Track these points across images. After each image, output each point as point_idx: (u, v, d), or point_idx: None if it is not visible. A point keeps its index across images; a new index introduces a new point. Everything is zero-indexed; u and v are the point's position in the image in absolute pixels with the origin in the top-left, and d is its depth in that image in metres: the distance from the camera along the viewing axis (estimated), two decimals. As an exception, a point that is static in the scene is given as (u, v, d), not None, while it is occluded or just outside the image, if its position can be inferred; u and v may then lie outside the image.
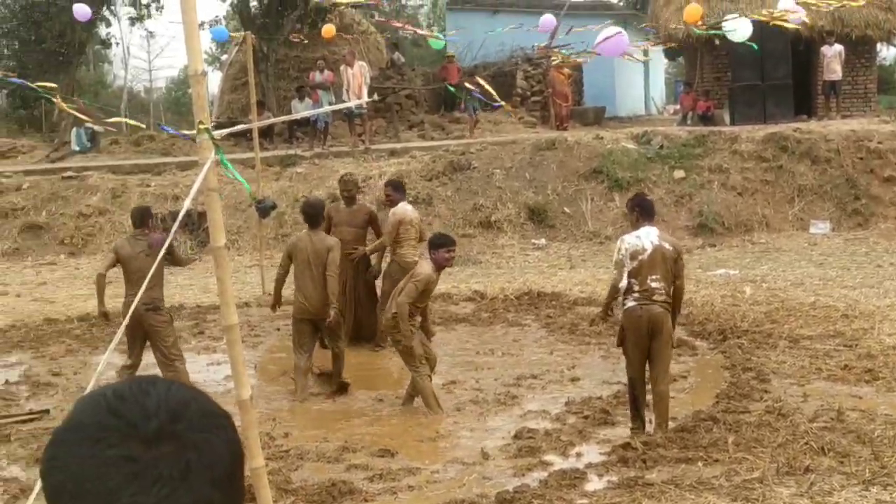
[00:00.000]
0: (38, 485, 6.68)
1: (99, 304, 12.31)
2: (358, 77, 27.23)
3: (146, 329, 11.67)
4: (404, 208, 14.08)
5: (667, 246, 9.83)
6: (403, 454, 9.56)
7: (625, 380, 11.74)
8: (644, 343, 9.80)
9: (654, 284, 9.68)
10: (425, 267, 11.07)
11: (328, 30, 27.54)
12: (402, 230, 13.77)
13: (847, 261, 19.48)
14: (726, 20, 18.25)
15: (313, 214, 12.44)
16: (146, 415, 1.55)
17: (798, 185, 24.02)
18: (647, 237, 9.82)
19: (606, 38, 14.66)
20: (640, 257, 9.69)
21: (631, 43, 16.26)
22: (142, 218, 12.29)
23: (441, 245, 10.98)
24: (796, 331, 13.65)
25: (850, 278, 17.56)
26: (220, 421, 1.64)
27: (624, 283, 9.70)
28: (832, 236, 22.44)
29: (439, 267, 10.90)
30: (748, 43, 17.64)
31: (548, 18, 22.10)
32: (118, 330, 7.56)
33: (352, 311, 14.35)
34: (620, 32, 14.96)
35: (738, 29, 17.40)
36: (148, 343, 11.71)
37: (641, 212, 10.14)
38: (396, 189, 14.58)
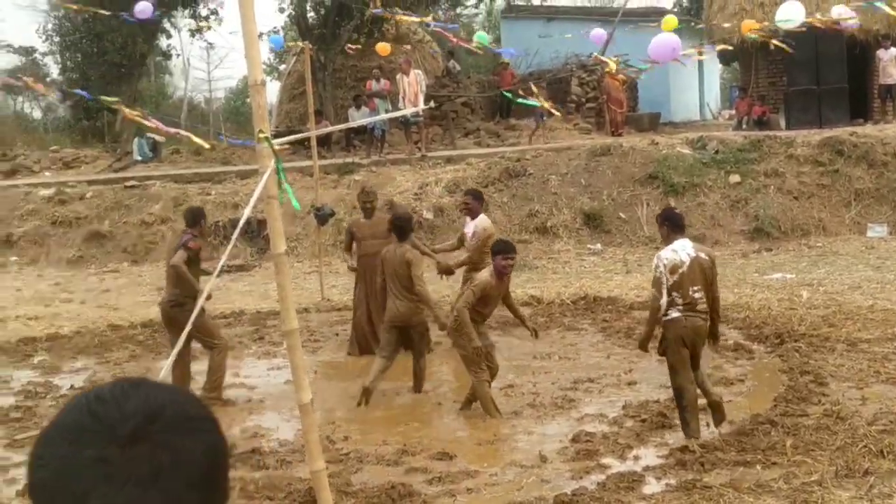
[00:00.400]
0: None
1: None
2: (413, 85, 27.36)
3: (172, 325, 11.86)
4: (486, 220, 13.95)
5: (703, 256, 10.03)
6: (462, 457, 9.64)
7: (682, 384, 11.82)
8: (687, 353, 9.91)
9: (696, 295, 9.81)
10: (484, 273, 11.15)
11: (383, 47, 27.75)
12: (487, 243, 13.19)
13: (905, 264, 19.36)
14: (778, 21, 18.14)
15: (401, 227, 12.53)
16: (124, 417, 1.58)
17: (854, 188, 23.86)
18: (682, 250, 9.93)
19: (658, 43, 14.70)
20: (679, 270, 9.79)
21: (683, 47, 16.22)
22: (193, 217, 12.53)
23: (499, 252, 11.01)
24: (854, 334, 13.58)
25: (909, 282, 17.46)
26: (200, 424, 1.66)
27: (664, 300, 9.78)
28: (889, 240, 22.26)
29: (499, 274, 10.90)
30: (783, 44, 17.49)
31: (598, 33, 22.13)
32: (181, 336, 7.73)
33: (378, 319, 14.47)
34: (673, 38, 14.99)
35: (790, 16, 17.30)
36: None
37: (671, 226, 10.27)
38: (476, 198, 14.22)
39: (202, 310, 12.31)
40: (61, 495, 1.55)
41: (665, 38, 14.85)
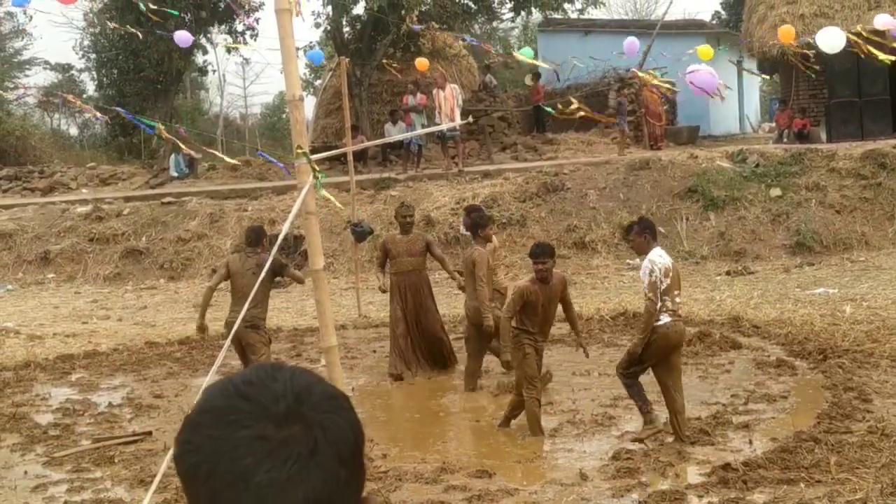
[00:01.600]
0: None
1: (199, 318, 12.57)
2: (450, 99, 27.32)
3: (244, 345, 11.93)
4: (477, 250, 13.26)
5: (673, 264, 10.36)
6: (501, 475, 9.55)
7: (723, 400, 11.69)
8: (665, 357, 10.21)
9: (678, 300, 10.18)
10: (524, 279, 11.09)
11: (421, 63, 27.74)
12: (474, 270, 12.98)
13: (950, 278, 19.12)
14: (817, 42, 17.99)
15: (475, 224, 13.17)
16: (275, 397, 1.64)
17: (898, 202, 23.65)
18: (665, 256, 10.33)
19: (696, 73, 14.61)
20: (670, 275, 10.06)
21: (721, 59, 16.14)
22: (256, 236, 12.54)
23: (531, 256, 11.02)
24: (898, 350, 13.43)
25: (953, 296, 17.23)
26: (342, 402, 1.73)
27: (659, 304, 9.84)
28: (934, 254, 22.03)
29: (538, 279, 10.81)
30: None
31: (631, 42, 22.03)
32: (220, 352, 7.67)
33: (426, 338, 14.38)
34: (712, 73, 14.90)
35: (830, 40, 17.16)
36: None
37: (652, 234, 10.50)
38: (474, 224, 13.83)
39: (269, 339, 12.50)
40: (220, 476, 1.61)
41: (704, 77, 14.78)
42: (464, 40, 36.08)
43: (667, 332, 10.01)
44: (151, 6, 19.01)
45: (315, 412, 1.65)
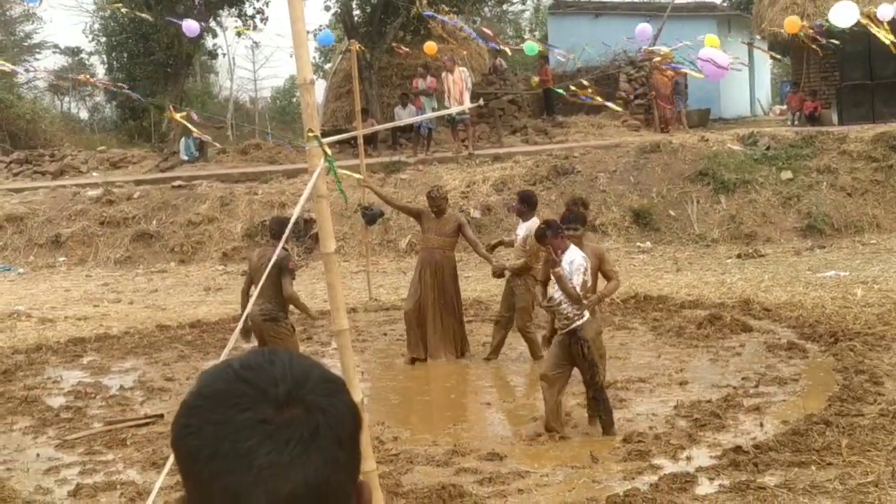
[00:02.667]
0: (157, 487, 6.81)
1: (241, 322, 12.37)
2: (459, 83, 27.27)
3: (264, 338, 11.92)
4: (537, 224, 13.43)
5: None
6: (512, 458, 9.55)
7: (734, 383, 11.69)
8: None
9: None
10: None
11: (430, 47, 27.68)
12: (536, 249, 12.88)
13: (961, 261, 19.08)
14: (830, 20, 17.89)
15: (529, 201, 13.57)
16: (274, 381, 1.65)
17: (909, 184, 23.58)
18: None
19: (708, 60, 14.54)
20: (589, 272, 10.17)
21: (733, 41, 16.06)
22: (281, 228, 12.41)
23: (561, 221, 10.76)
24: (910, 333, 13.40)
25: (965, 279, 17.19)
26: (339, 386, 1.74)
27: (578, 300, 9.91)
28: (945, 236, 21.98)
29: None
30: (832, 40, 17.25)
31: (643, 28, 21.96)
32: (231, 336, 7.68)
33: (440, 321, 14.28)
34: (721, 63, 14.83)
35: (842, 15, 17.06)
36: None
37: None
38: (524, 201, 13.86)
39: (292, 328, 12.40)
40: (222, 459, 1.61)
41: (715, 59, 14.71)
42: (474, 22, 36.05)
43: (592, 327, 10.04)
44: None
45: (314, 395, 1.67)
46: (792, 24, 18.92)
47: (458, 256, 15.58)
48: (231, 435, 1.61)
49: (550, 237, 10.11)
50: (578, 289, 9.79)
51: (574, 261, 9.90)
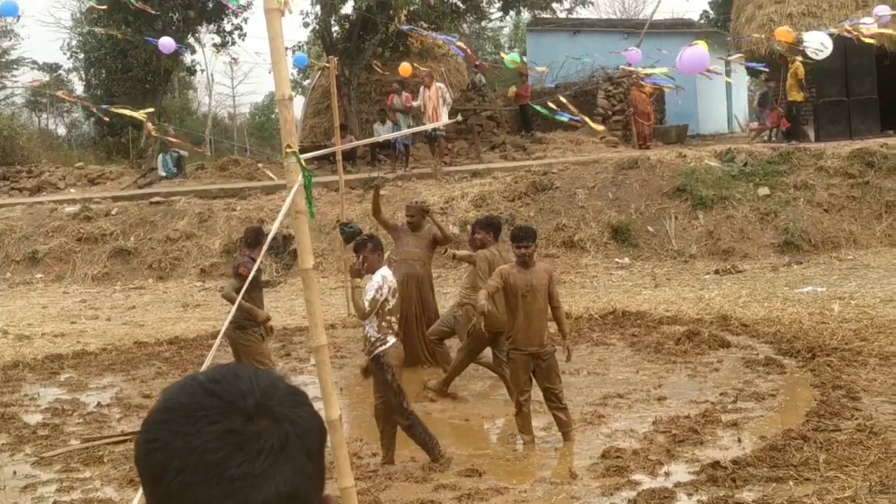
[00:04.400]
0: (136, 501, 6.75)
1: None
2: (434, 99, 27.28)
3: (232, 346, 11.94)
4: (484, 252, 13.03)
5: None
6: (491, 474, 9.55)
7: (712, 399, 11.72)
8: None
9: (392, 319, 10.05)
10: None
11: (405, 69, 27.75)
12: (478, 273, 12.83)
13: (938, 277, 19.16)
14: (806, 44, 18.03)
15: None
16: (241, 393, 1.66)
17: (885, 200, 23.66)
18: (391, 275, 10.25)
19: (687, 54, 14.58)
20: (396, 295, 10.07)
21: (713, 59, 16.10)
22: (255, 237, 12.43)
23: (512, 239, 10.67)
24: (886, 348, 13.42)
25: (942, 294, 17.26)
26: (304, 398, 1.75)
27: (378, 324, 9.85)
28: (922, 252, 22.07)
29: (520, 262, 10.43)
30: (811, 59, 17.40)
31: (634, 53, 22.11)
32: (209, 353, 7.67)
33: (422, 334, 14.37)
34: (702, 51, 14.86)
35: (819, 44, 17.19)
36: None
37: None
38: (490, 227, 13.42)
39: (261, 335, 12.33)
40: (191, 471, 1.60)
41: (695, 52, 14.72)
42: (453, 40, 36.10)
43: (397, 352, 9.89)
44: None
45: (282, 407, 1.67)
46: (784, 34, 19.05)
47: (435, 272, 15.64)
48: (200, 447, 1.60)
49: (370, 250, 10.15)
50: (368, 307, 9.77)
51: (374, 278, 9.94)
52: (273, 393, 1.68)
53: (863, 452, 9.12)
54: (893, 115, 30.58)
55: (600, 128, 22.62)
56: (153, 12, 18.89)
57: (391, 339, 9.84)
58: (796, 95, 28.81)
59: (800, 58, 24.10)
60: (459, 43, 25.73)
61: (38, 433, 11.89)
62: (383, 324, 9.79)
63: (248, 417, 1.63)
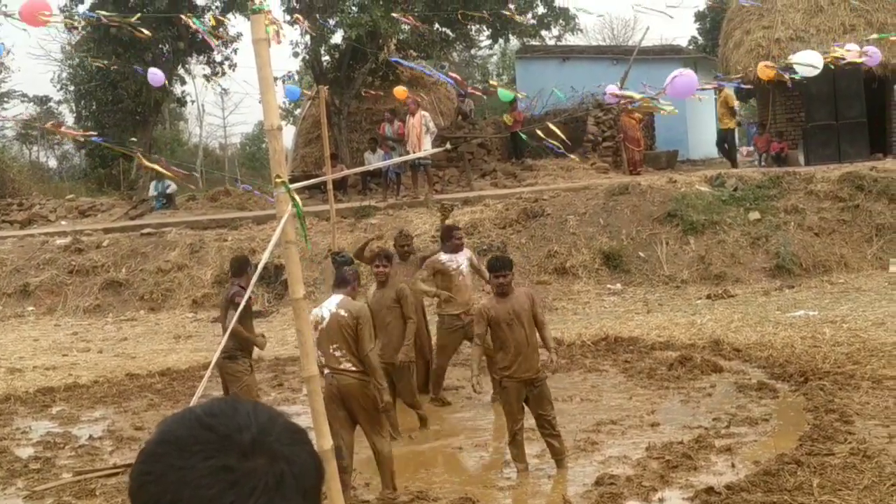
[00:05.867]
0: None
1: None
2: (417, 127, 27.34)
3: (222, 377, 11.91)
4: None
5: (342, 313, 9.96)
6: (484, 502, 9.53)
7: (706, 424, 11.72)
8: (342, 412, 9.99)
9: (338, 353, 9.94)
10: (483, 298, 10.91)
11: (400, 91, 27.83)
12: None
13: (929, 299, 19.17)
14: (795, 62, 18.10)
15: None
16: (238, 428, 1.64)
17: (876, 223, 23.70)
18: (326, 306, 10.21)
19: (675, 78, 14.62)
20: (320, 327, 9.94)
21: (701, 83, 16.17)
22: (240, 266, 12.45)
23: (489, 269, 10.87)
24: (879, 371, 13.43)
25: (933, 317, 17.27)
26: (303, 436, 1.73)
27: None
28: (913, 275, 22.09)
29: (498, 293, 10.53)
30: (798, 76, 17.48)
31: (611, 90, 22.25)
32: (199, 384, 7.65)
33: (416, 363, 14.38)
34: (689, 74, 14.90)
35: (808, 63, 17.25)
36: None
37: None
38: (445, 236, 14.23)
39: (251, 367, 12.33)
40: None
41: (684, 78, 14.77)
42: (442, 67, 36.18)
43: (326, 387, 9.60)
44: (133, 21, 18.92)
45: (279, 444, 1.65)
46: (764, 72, 19.16)
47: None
48: (194, 481, 1.59)
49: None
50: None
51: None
52: (271, 429, 1.67)
53: (857, 476, 9.11)
54: (882, 139, 30.72)
55: (574, 157, 22.72)
56: (146, 33, 18.86)
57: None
58: (728, 123, 28.98)
59: (728, 88, 24.36)
60: (452, 74, 25.82)
61: (29, 467, 11.86)
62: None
63: (244, 454, 1.61)
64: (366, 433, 10.02)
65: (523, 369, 10.31)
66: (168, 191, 33.53)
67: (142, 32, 18.53)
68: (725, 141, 32.17)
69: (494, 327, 10.35)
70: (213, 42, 27.56)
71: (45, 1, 14.82)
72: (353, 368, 9.79)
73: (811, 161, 29.07)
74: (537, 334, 10.56)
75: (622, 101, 22.29)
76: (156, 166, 17.50)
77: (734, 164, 30.32)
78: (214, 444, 1.62)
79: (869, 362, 13.95)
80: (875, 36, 19.94)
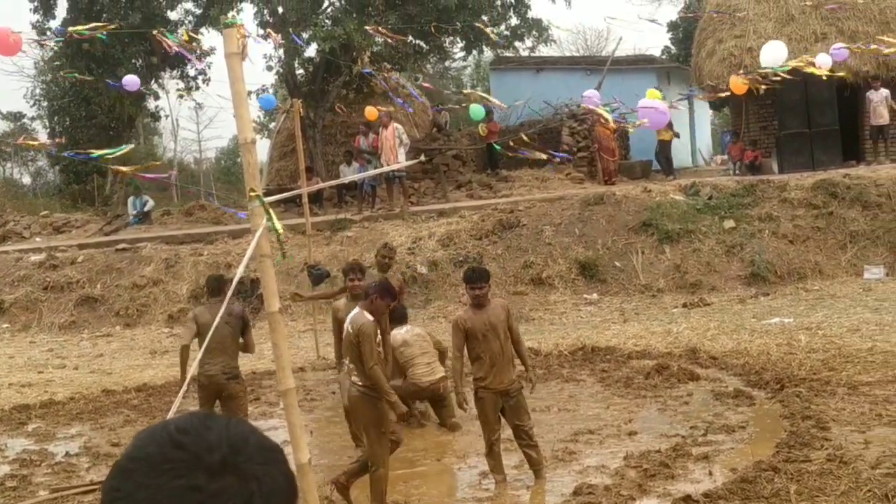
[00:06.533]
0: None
1: (182, 376, 12.31)
2: (389, 139, 27.37)
3: (224, 397, 11.79)
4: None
5: (350, 328, 9.99)
6: (463, 514, 9.53)
7: (683, 432, 11.73)
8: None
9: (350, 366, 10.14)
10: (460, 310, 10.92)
11: (370, 112, 27.87)
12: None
13: (903, 305, 19.27)
14: (764, 64, 18.24)
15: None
16: (209, 447, 1.62)
17: (850, 230, 23.84)
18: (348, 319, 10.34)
19: (648, 108, 14.70)
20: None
21: (672, 93, 16.32)
22: (218, 286, 12.40)
23: (464, 281, 10.92)
24: (855, 377, 13.50)
25: (907, 322, 17.36)
26: (277, 455, 1.72)
27: None
28: (887, 281, 22.19)
29: (475, 304, 10.54)
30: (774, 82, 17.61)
31: (592, 93, 22.31)
32: (175, 398, 7.62)
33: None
34: (662, 110, 15.01)
35: (774, 56, 17.36)
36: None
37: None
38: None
39: (246, 388, 12.38)
40: None
41: (657, 113, 14.87)
42: (417, 79, 36.24)
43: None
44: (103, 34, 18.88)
45: (251, 464, 1.64)
46: (737, 86, 19.29)
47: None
48: (163, 500, 1.58)
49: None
50: None
51: None
52: (243, 448, 1.65)
53: (833, 482, 9.14)
54: (855, 146, 30.89)
55: (543, 156, 22.75)
56: (116, 49, 18.87)
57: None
58: (664, 135, 29.06)
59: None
60: (427, 85, 25.87)
61: (5, 484, 11.78)
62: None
63: (213, 474, 1.60)
64: (368, 445, 10.02)
65: (498, 380, 10.29)
66: (146, 208, 33.46)
67: (113, 48, 18.52)
68: (663, 152, 32.32)
69: (471, 338, 10.31)
70: (188, 53, 27.54)
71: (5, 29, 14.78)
72: (360, 382, 9.79)
73: (785, 169, 29.22)
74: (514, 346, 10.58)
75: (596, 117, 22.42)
76: (124, 168, 17.42)
77: (670, 174, 30.31)
78: (184, 463, 1.60)
79: (844, 368, 14.01)
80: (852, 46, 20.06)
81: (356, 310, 10.04)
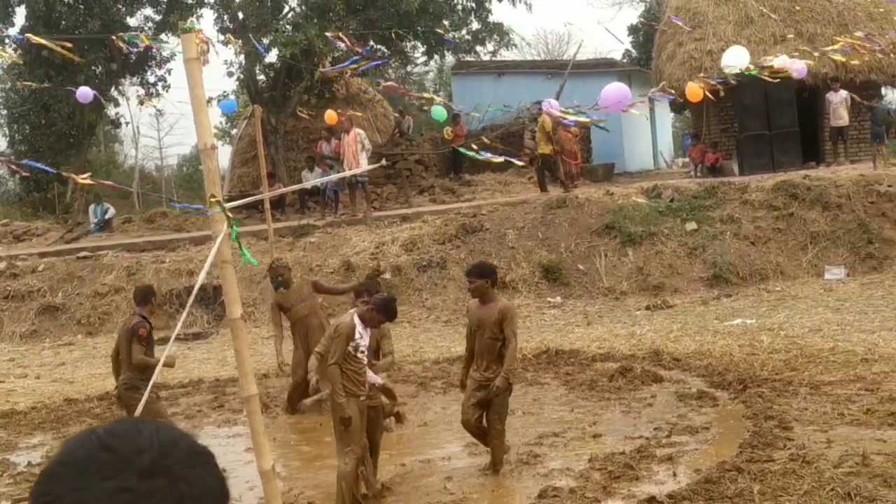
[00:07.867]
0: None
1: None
2: (352, 144, 27.31)
3: (127, 408, 11.84)
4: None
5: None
6: (428, 518, 9.51)
7: (647, 434, 11.77)
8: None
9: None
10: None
11: (330, 116, 27.80)
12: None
13: (864, 305, 19.38)
14: (725, 67, 18.34)
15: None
16: (139, 450, 1.62)
17: (810, 231, 23.99)
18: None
19: (607, 89, 14.74)
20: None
21: (634, 97, 16.35)
22: (144, 297, 12.34)
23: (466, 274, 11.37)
24: (817, 377, 13.58)
25: (868, 322, 17.46)
26: (207, 458, 1.72)
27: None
28: (847, 281, 22.34)
29: (473, 297, 11.12)
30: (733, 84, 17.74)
31: (551, 103, 22.38)
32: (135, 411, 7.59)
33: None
34: (621, 86, 15.05)
35: (735, 61, 17.45)
36: None
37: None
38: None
39: (156, 394, 12.24)
40: None
41: (615, 89, 14.89)
42: (378, 84, 36.19)
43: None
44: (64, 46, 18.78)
45: (180, 466, 1.64)
46: (693, 93, 19.37)
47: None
48: (92, 502, 1.57)
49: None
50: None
51: None
52: (172, 451, 1.65)
53: (796, 482, 9.18)
54: (814, 147, 31.12)
55: (520, 163, 22.79)
56: (78, 60, 18.71)
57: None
58: (544, 148, 28.99)
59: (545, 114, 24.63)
60: (392, 83, 25.86)
61: (-34, 496, 11.69)
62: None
63: (143, 475, 1.60)
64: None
65: (479, 374, 10.85)
66: (107, 216, 33.30)
67: (73, 56, 18.41)
68: (545, 166, 31.63)
69: (469, 327, 11.07)
70: (155, 45, 27.41)
71: None
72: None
73: (745, 171, 29.39)
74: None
75: (559, 119, 22.43)
76: (86, 180, 17.33)
77: (543, 189, 29.60)
78: (114, 466, 1.60)
79: (806, 368, 14.11)
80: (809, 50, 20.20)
81: (352, 309, 10.15)
